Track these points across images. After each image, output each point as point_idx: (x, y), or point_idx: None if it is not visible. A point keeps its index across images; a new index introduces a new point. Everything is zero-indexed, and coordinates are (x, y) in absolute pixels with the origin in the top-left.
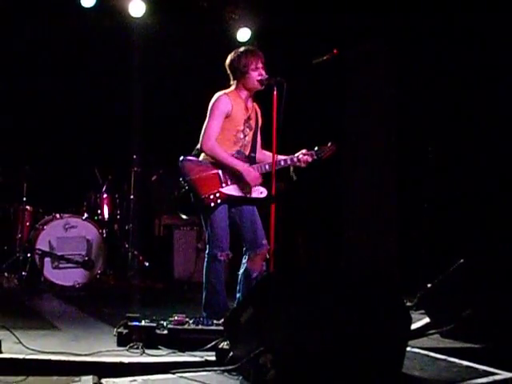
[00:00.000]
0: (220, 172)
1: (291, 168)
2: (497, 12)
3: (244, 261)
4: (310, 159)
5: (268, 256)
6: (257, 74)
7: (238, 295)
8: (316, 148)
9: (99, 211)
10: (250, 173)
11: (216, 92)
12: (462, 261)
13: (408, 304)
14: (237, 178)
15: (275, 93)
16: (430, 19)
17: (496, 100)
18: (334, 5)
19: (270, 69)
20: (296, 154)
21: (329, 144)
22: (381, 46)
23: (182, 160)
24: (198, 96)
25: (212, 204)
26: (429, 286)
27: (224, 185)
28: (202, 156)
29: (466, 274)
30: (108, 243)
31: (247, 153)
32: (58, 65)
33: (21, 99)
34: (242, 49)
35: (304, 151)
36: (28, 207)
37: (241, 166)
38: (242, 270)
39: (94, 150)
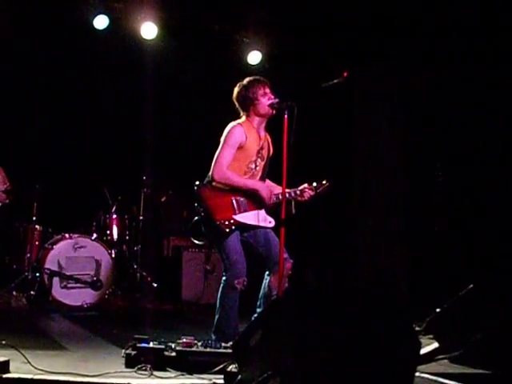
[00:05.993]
0: (233, 199)
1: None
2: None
3: (266, 277)
4: (312, 193)
5: (290, 272)
6: (267, 99)
7: (258, 310)
8: (314, 184)
9: (108, 232)
10: (265, 189)
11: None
12: (471, 286)
13: (417, 328)
14: (251, 199)
15: (286, 117)
16: (440, 43)
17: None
18: (343, 29)
19: (280, 92)
20: (299, 188)
21: (324, 181)
22: (390, 69)
23: (199, 186)
24: (208, 119)
25: (227, 230)
26: (438, 310)
27: (237, 212)
28: (214, 184)
29: (476, 299)
30: (117, 264)
31: None
32: (69, 85)
33: (32, 119)
34: (246, 79)
35: (306, 185)
36: (37, 226)
37: (256, 184)
38: (263, 288)
39: (104, 171)
